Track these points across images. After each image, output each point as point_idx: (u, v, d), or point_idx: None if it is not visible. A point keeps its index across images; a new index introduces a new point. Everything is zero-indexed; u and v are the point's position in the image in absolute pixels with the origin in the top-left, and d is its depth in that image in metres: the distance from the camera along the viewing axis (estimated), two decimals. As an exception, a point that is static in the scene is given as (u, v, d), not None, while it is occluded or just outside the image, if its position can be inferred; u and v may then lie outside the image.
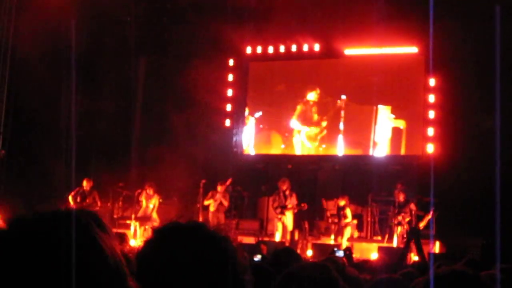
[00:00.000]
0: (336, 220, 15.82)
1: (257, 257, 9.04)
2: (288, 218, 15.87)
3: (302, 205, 15.95)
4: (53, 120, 17.91)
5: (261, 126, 19.55)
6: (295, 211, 15.94)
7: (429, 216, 14.56)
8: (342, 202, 15.79)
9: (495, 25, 15.82)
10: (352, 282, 3.01)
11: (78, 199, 16.25)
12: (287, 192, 15.99)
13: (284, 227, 15.91)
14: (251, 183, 18.24)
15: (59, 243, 1.18)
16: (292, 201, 15.89)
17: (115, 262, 1.24)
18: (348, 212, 15.80)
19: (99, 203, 16.51)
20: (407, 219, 14.88)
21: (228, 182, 16.68)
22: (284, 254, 5.69)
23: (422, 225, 14.56)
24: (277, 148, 19.36)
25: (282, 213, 15.86)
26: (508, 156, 12.06)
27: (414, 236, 13.75)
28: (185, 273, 1.51)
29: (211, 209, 16.51)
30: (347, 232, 15.75)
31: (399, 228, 15.03)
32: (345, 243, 15.25)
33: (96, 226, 1.27)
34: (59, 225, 1.21)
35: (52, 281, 1.14)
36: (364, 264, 9.11)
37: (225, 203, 16.57)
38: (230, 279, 1.50)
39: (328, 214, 16.45)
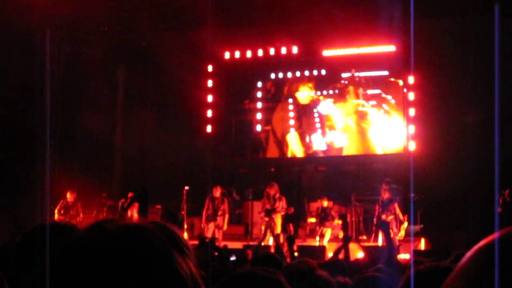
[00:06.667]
0: (318, 221, 15.76)
1: (232, 258, 9.23)
2: (277, 221, 15.75)
3: (288, 208, 15.87)
4: (34, 133, 17.73)
5: (244, 129, 19.58)
6: (283, 214, 15.84)
7: (405, 224, 14.57)
8: (325, 203, 15.73)
9: (473, 22, 15.92)
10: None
11: (62, 211, 16.13)
12: (277, 196, 15.83)
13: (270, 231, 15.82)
14: (234, 188, 18.19)
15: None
16: (282, 205, 15.74)
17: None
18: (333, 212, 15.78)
19: (81, 215, 16.37)
20: (390, 217, 14.81)
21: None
22: (264, 260, 5.65)
23: (400, 234, 14.55)
24: (258, 151, 19.39)
25: (267, 215, 15.73)
26: (488, 151, 12.15)
27: (383, 228, 13.71)
28: None
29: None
30: (328, 233, 15.60)
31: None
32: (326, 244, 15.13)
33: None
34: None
35: None
36: (352, 265, 9.05)
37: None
38: None
39: (312, 215, 16.38)
